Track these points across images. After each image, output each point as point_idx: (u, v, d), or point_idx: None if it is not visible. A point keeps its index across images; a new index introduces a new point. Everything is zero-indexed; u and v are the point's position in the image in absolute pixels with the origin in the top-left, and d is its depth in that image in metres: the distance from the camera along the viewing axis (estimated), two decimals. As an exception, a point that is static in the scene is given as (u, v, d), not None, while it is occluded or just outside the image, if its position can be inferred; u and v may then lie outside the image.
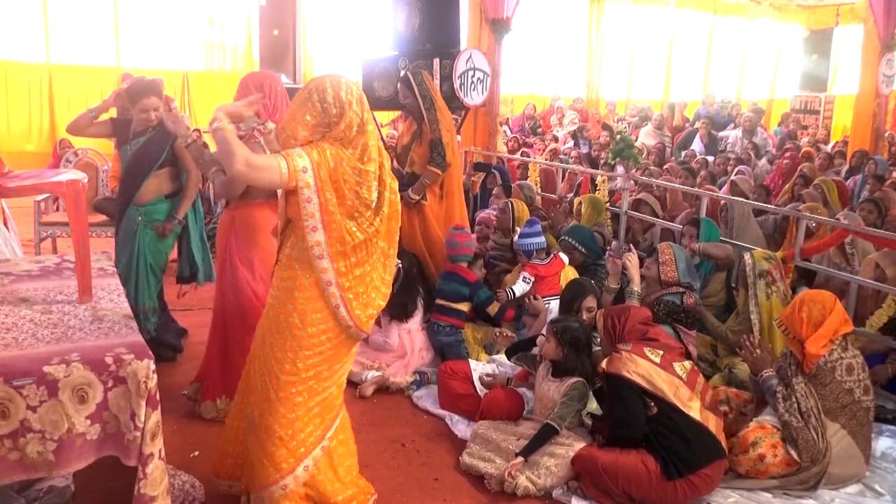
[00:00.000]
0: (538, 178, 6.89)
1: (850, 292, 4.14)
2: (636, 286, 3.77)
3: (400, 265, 4.00)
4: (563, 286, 4.03)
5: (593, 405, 3.33)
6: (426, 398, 3.78)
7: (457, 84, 6.28)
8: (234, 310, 3.32)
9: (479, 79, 6.48)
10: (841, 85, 14.84)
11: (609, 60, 14.50)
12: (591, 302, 3.69)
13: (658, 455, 2.85)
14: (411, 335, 4.07)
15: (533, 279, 4.33)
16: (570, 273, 4.45)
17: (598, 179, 6.12)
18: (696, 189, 6.20)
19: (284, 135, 2.41)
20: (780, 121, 13.32)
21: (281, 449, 2.49)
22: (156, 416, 2.12)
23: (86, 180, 2.69)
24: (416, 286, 4.19)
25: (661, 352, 3.03)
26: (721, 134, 11.26)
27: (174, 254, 4.14)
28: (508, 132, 10.91)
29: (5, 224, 4.35)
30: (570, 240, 4.81)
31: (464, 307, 4.24)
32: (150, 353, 2.13)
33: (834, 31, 14.75)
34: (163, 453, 2.17)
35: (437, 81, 6.28)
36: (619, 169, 7.76)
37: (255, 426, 2.55)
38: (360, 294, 2.46)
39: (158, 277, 3.94)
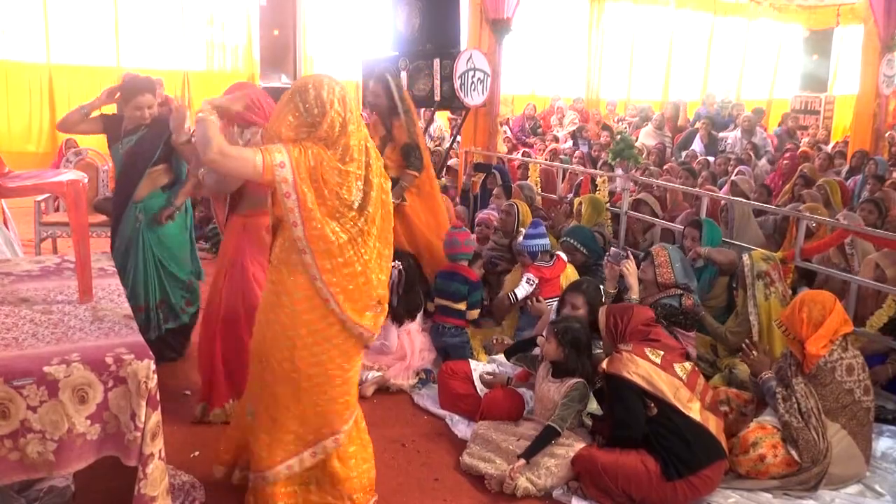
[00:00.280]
0: (538, 179, 6.89)
1: (850, 292, 4.13)
2: (634, 293, 3.76)
3: (400, 267, 3.99)
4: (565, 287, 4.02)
5: (593, 405, 3.32)
6: (426, 398, 3.78)
7: (457, 84, 6.29)
8: (243, 312, 3.31)
9: (479, 79, 6.49)
10: (841, 85, 14.84)
11: (609, 60, 14.49)
12: (574, 298, 3.67)
13: (658, 456, 2.85)
14: (411, 336, 4.07)
15: (537, 281, 4.31)
16: (570, 274, 4.45)
17: (599, 180, 6.12)
18: (697, 189, 6.20)
19: (269, 135, 2.45)
20: (779, 121, 13.32)
21: (287, 436, 2.55)
22: (156, 416, 2.12)
23: (86, 180, 2.69)
24: (417, 287, 4.18)
25: (662, 352, 3.03)
26: (721, 134, 11.26)
27: None
28: (509, 132, 10.92)
29: (5, 224, 4.34)
30: (571, 240, 4.81)
31: (463, 306, 4.22)
32: (151, 353, 2.13)
33: (834, 31, 14.75)
34: (163, 453, 2.17)
35: (438, 81, 6.30)
36: (618, 171, 7.76)
37: (258, 417, 2.59)
38: (349, 291, 2.45)
39: (171, 269, 3.89)
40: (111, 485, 2.61)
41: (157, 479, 2.13)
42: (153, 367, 2.10)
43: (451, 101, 6.53)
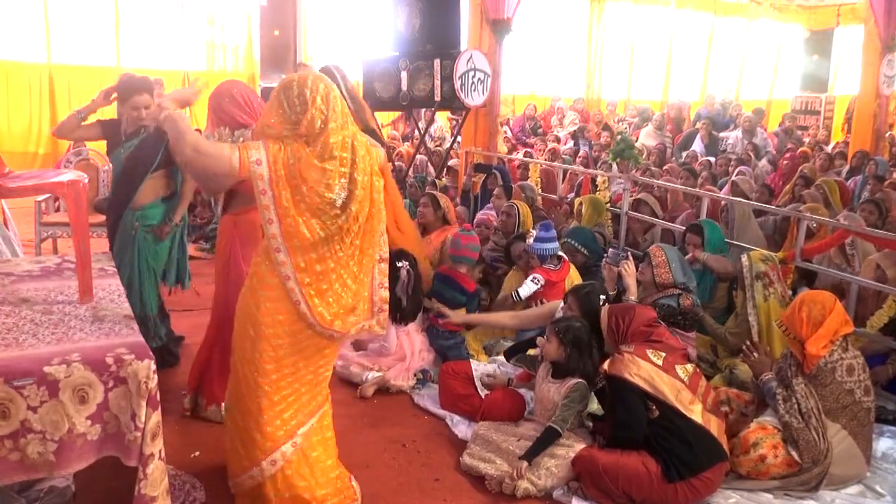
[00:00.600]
0: (538, 179, 6.89)
1: (850, 293, 4.13)
2: (632, 294, 3.75)
3: (408, 268, 3.98)
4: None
5: (594, 405, 3.33)
6: (427, 398, 3.78)
7: (457, 84, 6.29)
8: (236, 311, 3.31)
9: (479, 79, 6.49)
10: (841, 85, 14.84)
11: (609, 60, 14.50)
12: (570, 301, 3.64)
13: (659, 457, 2.85)
14: (410, 337, 4.06)
15: (543, 280, 4.29)
16: (573, 276, 4.44)
17: (599, 180, 6.12)
18: (697, 189, 6.20)
19: (256, 133, 2.46)
20: (780, 121, 13.33)
21: (252, 438, 2.53)
22: (156, 416, 2.12)
23: (86, 180, 2.69)
24: (420, 288, 4.18)
25: (664, 354, 3.02)
26: (722, 134, 11.27)
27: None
28: (509, 133, 10.92)
29: (6, 224, 4.34)
30: (572, 242, 4.80)
31: (461, 312, 4.23)
32: (151, 353, 2.13)
33: (834, 31, 14.75)
34: (163, 454, 2.17)
35: (438, 82, 6.30)
36: (615, 171, 7.76)
37: (228, 416, 2.62)
38: (323, 291, 2.43)
39: (157, 282, 3.85)
40: (111, 485, 2.61)
41: (157, 479, 2.13)
42: (153, 367, 2.10)
43: (451, 102, 6.54)
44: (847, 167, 8.85)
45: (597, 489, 2.88)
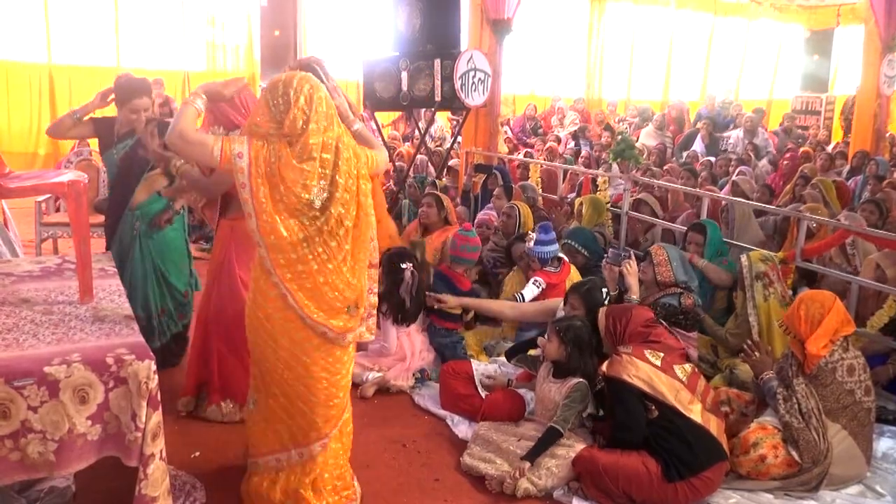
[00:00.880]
0: (539, 179, 6.89)
1: (850, 293, 4.13)
2: (634, 294, 3.75)
3: (412, 269, 3.98)
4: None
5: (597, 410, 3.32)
6: (427, 398, 3.78)
7: (458, 85, 6.28)
8: (232, 314, 3.30)
9: (479, 79, 6.48)
10: (842, 85, 14.84)
11: (609, 61, 14.51)
12: (573, 299, 3.66)
13: (659, 457, 2.85)
14: (411, 337, 4.06)
15: (544, 283, 4.29)
16: (574, 276, 4.44)
17: (600, 180, 6.12)
18: (697, 190, 6.20)
19: (244, 131, 2.47)
20: (780, 121, 13.33)
21: (299, 424, 2.57)
22: (157, 416, 2.12)
23: (86, 180, 2.69)
24: (423, 287, 4.18)
25: (662, 354, 3.02)
26: (723, 135, 11.27)
27: None
28: (509, 133, 10.92)
29: (6, 225, 4.33)
30: (572, 243, 4.80)
31: (457, 310, 4.23)
32: (151, 353, 2.13)
33: (835, 31, 14.75)
34: (164, 454, 2.17)
35: (438, 82, 6.29)
36: (615, 170, 7.75)
37: (258, 405, 2.65)
38: (307, 289, 2.43)
39: (162, 281, 3.82)
40: (112, 485, 2.61)
41: (157, 479, 2.13)
42: (154, 367, 2.10)
43: (451, 102, 6.53)
44: (847, 167, 8.84)
45: (597, 489, 2.88)
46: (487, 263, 4.87)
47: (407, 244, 4.89)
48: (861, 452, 3.08)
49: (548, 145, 9.69)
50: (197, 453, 3.13)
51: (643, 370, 2.93)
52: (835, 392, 3.06)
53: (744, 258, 3.99)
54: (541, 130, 11.99)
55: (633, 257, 3.96)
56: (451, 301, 4.02)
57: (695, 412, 2.92)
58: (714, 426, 2.96)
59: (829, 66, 14.97)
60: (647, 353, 3.01)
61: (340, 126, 2.49)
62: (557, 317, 3.71)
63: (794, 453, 2.98)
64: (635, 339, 3.09)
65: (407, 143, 10.20)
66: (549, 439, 3.01)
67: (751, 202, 5.79)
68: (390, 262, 4.00)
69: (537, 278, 4.30)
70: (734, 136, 11.05)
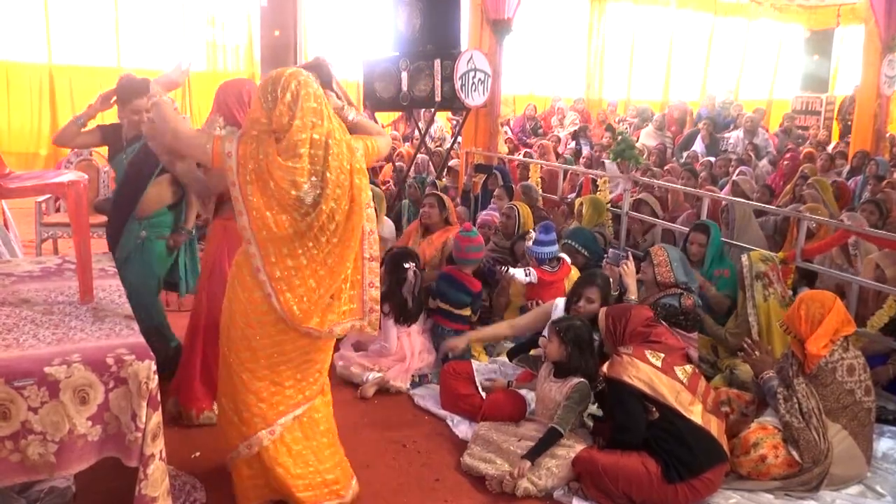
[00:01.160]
0: (538, 179, 6.89)
1: (850, 293, 4.13)
2: (632, 294, 3.75)
3: (414, 269, 3.98)
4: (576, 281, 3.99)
5: (594, 406, 3.33)
6: (428, 398, 3.78)
7: (458, 85, 6.28)
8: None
9: (479, 79, 6.48)
10: (842, 86, 14.83)
11: (609, 61, 14.50)
12: (592, 293, 3.68)
13: (659, 458, 2.85)
14: (411, 338, 4.06)
15: (535, 277, 4.29)
16: (574, 277, 4.43)
17: (600, 181, 6.13)
18: (697, 190, 6.20)
19: (244, 128, 2.48)
20: (780, 122, 13.33)
21: (231, 420, 2.61)
22: (157, 416, 2.12)
23: (87, 181, 2.69)
24: (424, 288, 4.18)
25: (663, 355, 3.01)
26: (724, 135, 11.27)
27: None
28: (509, 133, 10.92)
29: (6, 225, 4.34)
30: (572, 243, 4.80)
31: (466, 312, 4.23)
32: (151, 353, 2.13)
33: (835, 31, 14.74)
34: (164, 454, 2.17)
35: (438, 82, 6.29)
36: (609, 166, 7.74)
37: (218, 394, 2.71)
38: (294, 286, 2.43)
39: (159, 289, 3.77)
40: (112, 486, 2.60)
41: (157, 479, 2.13)
42: (154, 367, 2.10)
43: (451, 102, 6.53)
44: (847, 167, 8.84)
45: (597, 490, 2.87)
46: (487, 263, 4.87)
47: (407, 244, 4.89)
48: (861, 452, 3.08)
49: (538, 142, 9.66)
50: (197, 453, 3.13)
51: (644, 371, 2.93)
52: (835, 392, 3.06)
53: (744, 258, 3.99)
54: (541, 130, 11.99)
55: (631, 258, 3.96)
56: (462, 343, 3.90)
57: (695, 413, 2.92)
58: (715, 427, 2.95)
59: (829, 66, 14.96)
60: (648, 353, 3.00)
61: (332, 121, 2.47)
62: (556, 318, 3.71)
63: (794, 453, 2.98)
64: (636, 340, 3.08)
65: (407, 144, 10.20)
66: (549, 439, 3.01)
67: (751, 202, 5.78)
68: (393, 262, 4.01)
69: (530, 269, 4.32)
70: (734, 136, 11.05)
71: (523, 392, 3.61)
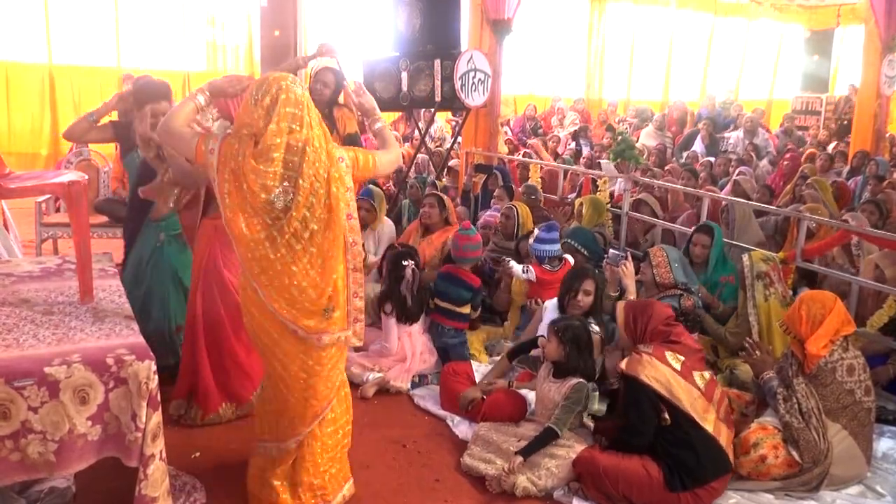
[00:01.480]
0: (539, 179, 6.89)
1: (851, 293, 4.13)
2: (631, 295, 3.74)
3: (413, 267, 3.98)
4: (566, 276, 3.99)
5: (595, 406, 3.31)
6: (428, 399, 3.78)
7: (458, 85, 6.28)
8: (225, 316, 3.29)
9: (479, 80, 6.47)
10: (842, 86, 14.83)
11: (609, 61, 14.51)
12: (588, 285, 3.69)
13: (662, 463, 2.83)
14: (412, 338, 4.05)
15: (533, 275, 4.31)
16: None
17: (600, 181, 6.13)
18: (698, 190, 6.20)
19: (234, 129, 2.48)
20: (780, 122, 13.33)
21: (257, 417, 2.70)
22: (157, 416, 2.12)
23: (86, 180, 2.69)
24: (424, 285, 4.17)
25: (683, 358, 2.94)
26: (724, 135, 11.26)
27: None
28: (509, 133, 10.92)
29: (6, 225, 4.33)
30: (572, 242, 4.80)
31: (466, 310, 4.22)
32: (151, 353, 2.14)
33: (835, 31, 14.74)
34: (164, 454, 2.17)
35: (438, 82, 6.29)
36: (606, 165, 7.74)
37: (264, 391, 2.71)
38: (274, 288, 2.42)
39: (183, 293, 3.68)
40: (112, 485, 2.61)
41: (157, 479, 2.13)
42: (154, 367, 2.10)
43: (451, 102, 6.52)
44: (847, 167, 8.84)
45: (597, 490, 2.87)
46: (486, 263, 4.87)
47: (407, 244, 4.88)
48: (861, 452, 3.08)
49: (531, 141, 9.65)
50: (197, 453, 3.13)
51: (662, 373, 2.87)
52: (835, 392, 3.06)
53: (745, 258, 3.99)
54: (541, 131, 11.98)
55: (630, 258, 3.96)
56: (477, 394, 3.63)
57: (708, 421, 2.86)
58: (724, 437, 2.91)
59: (829, 66, 14.96)
60: (668, 355, 2.93)
61: (315, 129, 2.42)
62: (549, 317, 3.72)
63: (794, 453, 2.98)
64: (656, 338, 3.01)
65: (407, 144, 10.19)
66: (545, 439, 3.01)
67: (751, 202, 5.78)
68: (393, 261, 4.02)
69: (530, 267, 4.34)
70: (734, 136, 11.05)
71: (524, 392, 3.61)
